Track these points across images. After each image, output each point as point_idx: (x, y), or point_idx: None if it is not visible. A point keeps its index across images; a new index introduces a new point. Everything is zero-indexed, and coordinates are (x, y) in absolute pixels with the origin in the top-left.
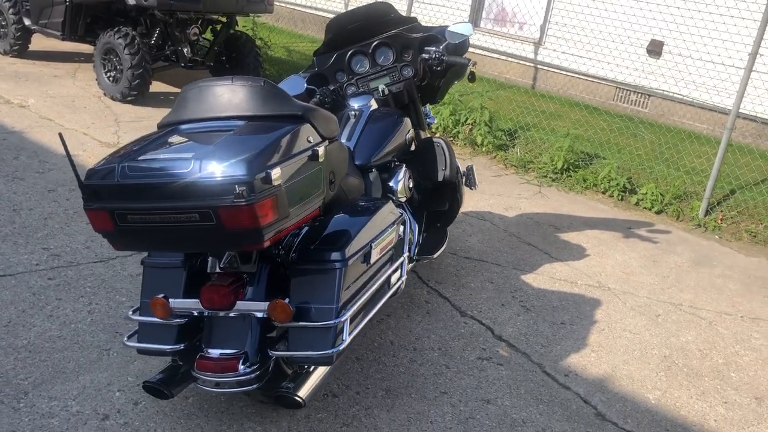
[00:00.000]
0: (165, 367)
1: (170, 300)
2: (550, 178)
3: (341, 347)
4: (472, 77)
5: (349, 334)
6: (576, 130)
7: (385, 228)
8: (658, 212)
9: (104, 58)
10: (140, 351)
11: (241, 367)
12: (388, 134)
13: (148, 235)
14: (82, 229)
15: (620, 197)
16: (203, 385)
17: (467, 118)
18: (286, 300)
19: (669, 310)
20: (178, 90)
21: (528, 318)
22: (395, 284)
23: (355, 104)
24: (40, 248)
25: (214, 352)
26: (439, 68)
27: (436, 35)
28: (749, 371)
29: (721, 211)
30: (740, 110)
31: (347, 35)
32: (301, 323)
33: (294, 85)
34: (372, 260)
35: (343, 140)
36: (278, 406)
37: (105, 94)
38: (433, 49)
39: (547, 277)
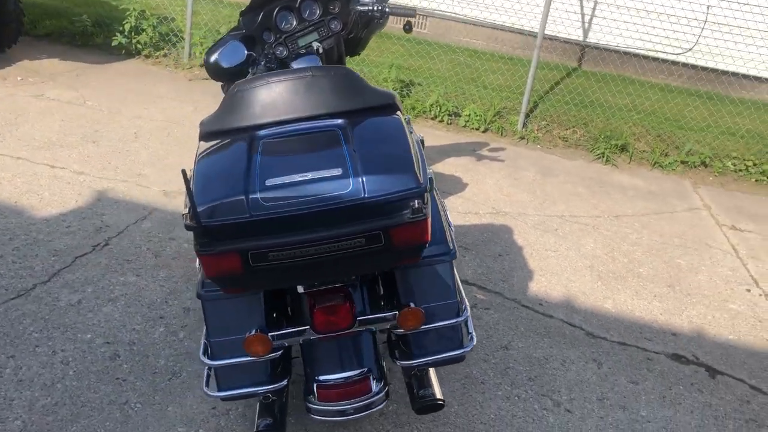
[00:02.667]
0: (261, 409)
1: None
2: None
3: (474, 342)
4: (410, 27)
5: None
6: (395, 60)
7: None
8: (484, 131)
9: None
10: (228, 399)
11: (373, 386)
12: None
13: (290, 271)
14: None
15: (449, 122)
16: (324, 416)
17: None
18: (411, 305)
19: (559, 222)
20: None
21: (473, 257)
22: None
23: (297, 67)
24: None
25: (335, 378)
26: (381, 20)
27: None
28: (649, 265)
29: (536, 123)
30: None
31: None
32: (431, 326)
33: (233, 51)
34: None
35: None
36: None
37: None
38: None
39: (454, 212)
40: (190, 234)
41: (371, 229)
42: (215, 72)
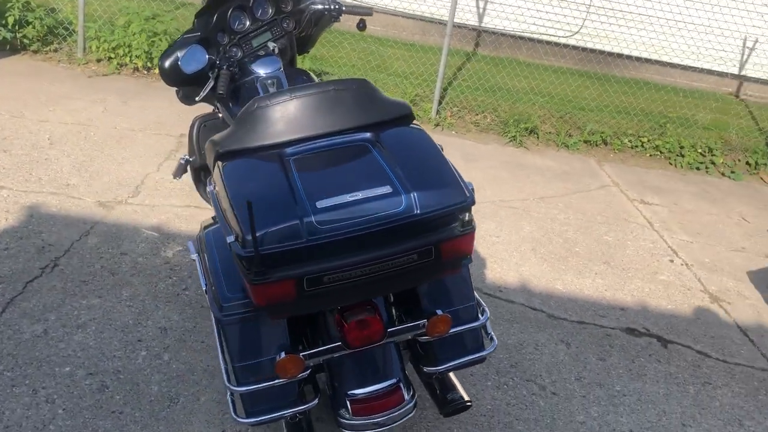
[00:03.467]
0: (289, 428)
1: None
2: None
3: (495, 343)
4: (363, 25)
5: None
6: None
7: None
8: None
9: None
10: (260, 423)
11: (405, 395)
12: None
13: (342, 293)
14: None
15: None
16: (359, 430)
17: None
18: (439, 311)
19: (494, 208)
20: None
21: None
22: None
23: (261, 70)
24: None
25: (367, 391)
26: (339, 18)
27: None
28: (582, 244)
29: (449, 110)
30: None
31: None
32: (457, 329)
33: (194, 55)
34: None
35: None
36: None
37: None
38: None
39: None
40: (143, 248)
41: (424, 245)
42: (174, 78)
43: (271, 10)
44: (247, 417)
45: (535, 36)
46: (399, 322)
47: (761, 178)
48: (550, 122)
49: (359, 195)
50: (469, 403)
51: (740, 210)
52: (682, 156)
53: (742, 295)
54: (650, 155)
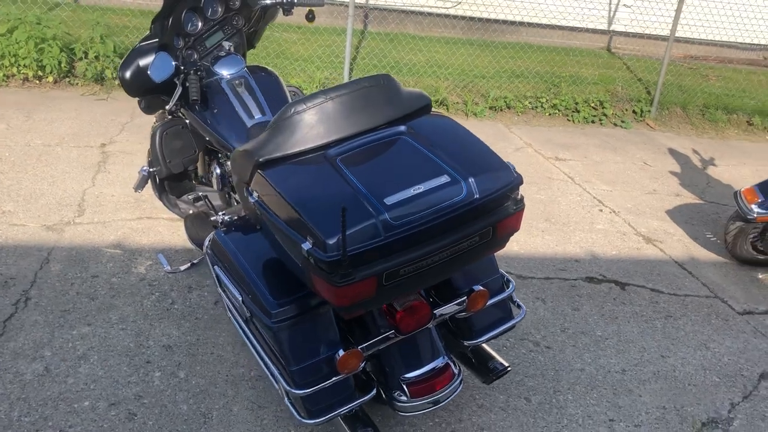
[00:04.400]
0: (350, 422)
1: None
2: None
3: (524, 310)
4: (312, 16)
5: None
6: None
7: None
8: None
9: None
10: (325, 422)
11: (455, 371)
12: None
13: (413, 281)
14: None
15: None
16: (417, 411)
17: (88, 51)
18: (477, 287)
19: None
20: None
21: None
22: None
23: (225, 72)
24: None
25: (422, 372)
26: (291, 12)
27: None
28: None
29: None
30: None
31: None
32: (492, 301)
33: (163, 63)
34: None
35: (258, 115)
36: None
37: None
38: None
39: None
40: (112, 268)
41: (485, 226)
42: (138, 88)
43: (220, 9)
44: (312, 418)
45: (421, 9)
46: (435, 303)
47: (647, 124)
48: (456, 93)
49: (422, 187)
50: (509, 368)
51: (640, 156)
52: (578, 111)
53: (668, 233)
54: (549, 114)
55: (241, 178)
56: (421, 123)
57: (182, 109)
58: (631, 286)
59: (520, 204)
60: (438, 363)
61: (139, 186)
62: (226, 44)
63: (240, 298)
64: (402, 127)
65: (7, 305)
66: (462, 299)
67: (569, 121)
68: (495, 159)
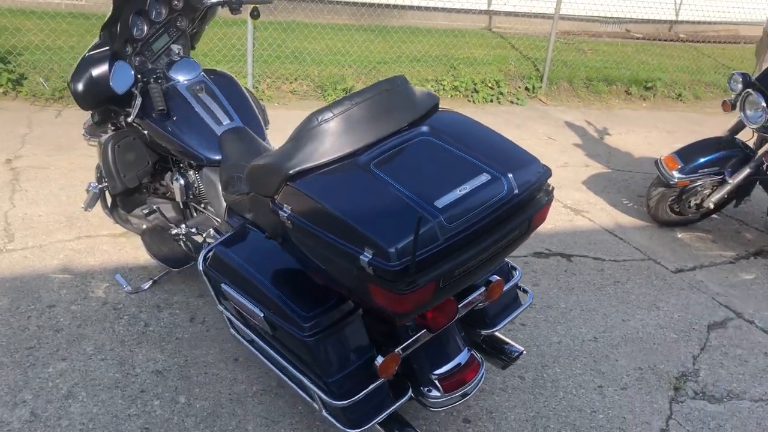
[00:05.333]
0: (390, 425)
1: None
2: None
3: (531, 295)
4: (258, 13)
5: None
6: None
7: None
8: None
9: None
10: (369, 428)
11: (480, 362)
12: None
13: (464, 280)
14: None
15: None
16: (448, 405)
17: None
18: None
19: None
20: None
21: None
22: None
23: (182, 77)
24: None
25: (450, 367)
26: (240, 10)
27: None
28: None
29: (264, 83)
30: None
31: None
32: (504, 288)
33: (123, 73)
34: None
35: (226, 121)
36: None
37: None
38: None
39: None
40: (67, 295)
41: (525, 219)
42: (92, 101)
43: (164, 11)
44: (358, 426)
45: None
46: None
47: (540, 100)
48: (362, 80)
49: (467, 187)
50: (524, 351)
51: (543, 130)
52: (477, 92)
53: (590, 203)
54: (451, 96)
55: (261, 192)
56: (438, 122)
57: (136, 120)
58: (575, 257)
59: (550, 195)
60: (463, 355)
61: (90, 204)
62: (175, 47)
63: (261, 315)
64: (424, 128)
65: None
66: (481, 290)
67: (469, 101)
68: (523, 153)
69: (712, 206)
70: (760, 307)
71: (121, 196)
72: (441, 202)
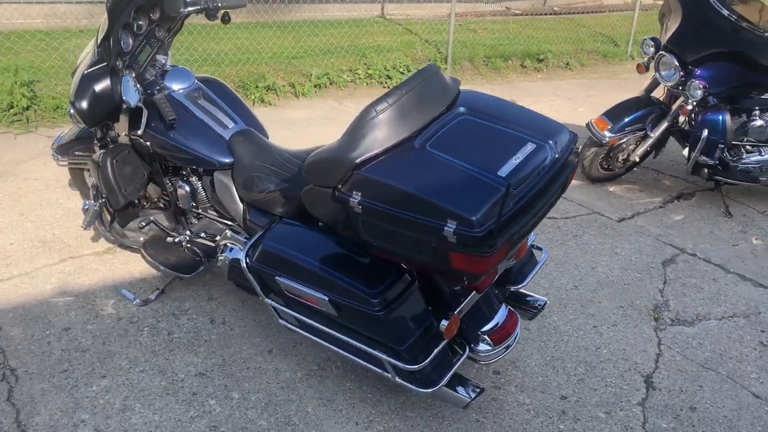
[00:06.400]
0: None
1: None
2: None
3: (545, 251)
4: (229, 18)
5: None
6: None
7: None
8: None
9: None
10: (443, 385)
11: (517, 315)
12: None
13: (521, 240)
14: None
15: None
16: (497, 357)
17: None
18: None
19: None
20: None
21: None
22: None
23: (177, 86)
24: None
25: (495, 323)
26: (217, 16)
27: None
28: None
29: None
30: None
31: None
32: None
33: (131, 86)
34: None
35: (231, 124)
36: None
37: None
38: None
39: None
40: (78, 317)
41: (565, 178)
42: (97, 116)
43: (144, 23)
44: (432, 386)
45: None
46: None
47: None
48: (280, 76)
49: (520, 156)
50: (547, 301)
51: None
52: (390, 78)
53: None
54: (366, 84)
55: (322, 184)
56: (468, 101)
57: (134, 133)
58: None
59: (577, 156)
60: (503, 311)
61: (90, 223)
62: (161, 57)
63: (326, 298)
64: (461, 108)
65: None
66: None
67: (385, 87)
68: (552, 121)
69: (637, 159)
70: (697, 241)
71: (119, 211)
72: (503, 172)
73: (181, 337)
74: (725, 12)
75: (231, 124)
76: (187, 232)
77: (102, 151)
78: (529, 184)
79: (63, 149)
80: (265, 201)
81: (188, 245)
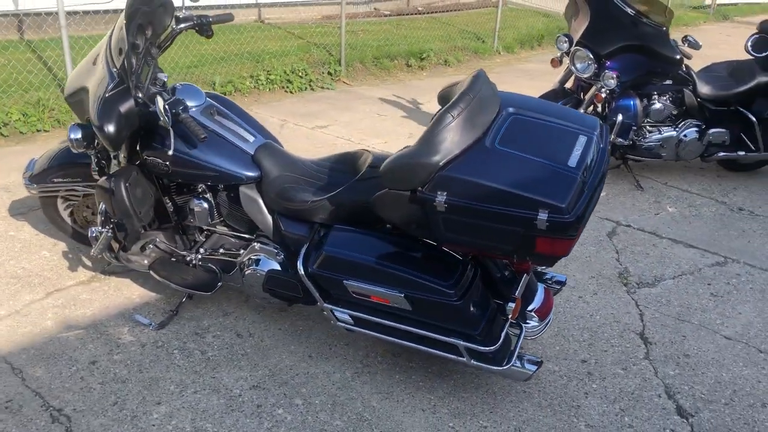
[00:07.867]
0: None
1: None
2: None
3: None
4: (211, 32)
5: None
6: None
7: None
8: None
9: None
10: (514, 360)
11: (552, 292)
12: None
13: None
14: None
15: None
16: (541, 332)
17: None
18: None
19: None
20: None
21: None
22: None
23: (191, 103)
24: None
25: (539, 299)
26: (208, 33)
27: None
28: None
29: None
30: None
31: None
32: None
33: (165, 109)
34: None
35: (251, 138)
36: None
37: None
38: (189, 14)
39: None
40: (97, 349)
41: (607, 165)
42: (123, 138)
43: (142, 42)
44: (505, 363)
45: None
46: None
47: (344, 82)
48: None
49: (579, 148)
50: (566, 277)
51: (368, 109)
52: (291, 82)
53: None
54: (269, 89)
55: (402, 188)
56: (511, 102)
57: (150, 154)
58: None
59: (609, 144)
60: (541, 290)
61: (102, 248)
62: (162, 75)
63: (402, 295)
64: (510, 108)
65: (44, 425)
66: None
67: (287, 92)
68: (586, 115)
69: None
70: (626, 214)
71: (129, 234)
72: (571, 162)
73: (216, 354)
74: (628, 10)
75: (251, 138)
76: (201, 249)
77: (108, 175)
78: (593, 171)
79: (38, 177)
80: (308, 210)
81: (201, 263)
